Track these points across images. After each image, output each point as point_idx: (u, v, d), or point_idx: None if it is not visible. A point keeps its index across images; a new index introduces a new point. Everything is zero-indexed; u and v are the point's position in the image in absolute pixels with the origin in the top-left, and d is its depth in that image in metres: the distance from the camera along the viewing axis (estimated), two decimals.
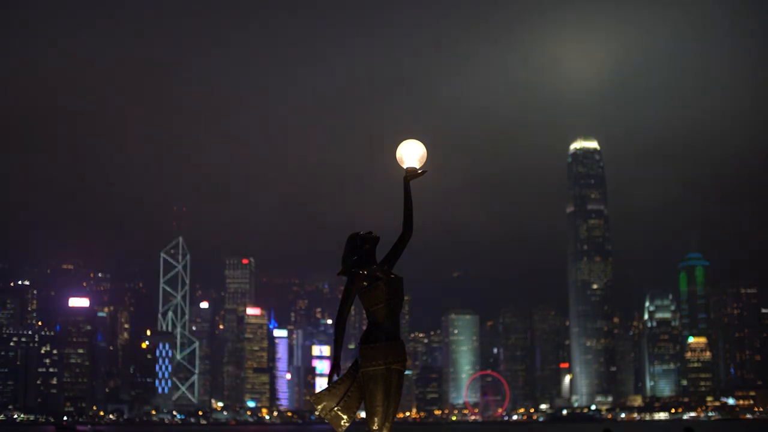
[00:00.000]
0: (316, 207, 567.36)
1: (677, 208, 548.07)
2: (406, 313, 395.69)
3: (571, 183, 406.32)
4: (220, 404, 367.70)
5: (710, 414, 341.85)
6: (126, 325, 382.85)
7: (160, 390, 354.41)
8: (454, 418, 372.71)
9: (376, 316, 12.52)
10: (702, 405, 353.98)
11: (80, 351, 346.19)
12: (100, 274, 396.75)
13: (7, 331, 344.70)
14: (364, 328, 12.82)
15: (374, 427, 12.39)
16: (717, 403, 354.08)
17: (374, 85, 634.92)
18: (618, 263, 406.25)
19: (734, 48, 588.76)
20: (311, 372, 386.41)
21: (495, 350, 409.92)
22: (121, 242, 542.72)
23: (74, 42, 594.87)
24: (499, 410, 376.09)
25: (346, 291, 12.59)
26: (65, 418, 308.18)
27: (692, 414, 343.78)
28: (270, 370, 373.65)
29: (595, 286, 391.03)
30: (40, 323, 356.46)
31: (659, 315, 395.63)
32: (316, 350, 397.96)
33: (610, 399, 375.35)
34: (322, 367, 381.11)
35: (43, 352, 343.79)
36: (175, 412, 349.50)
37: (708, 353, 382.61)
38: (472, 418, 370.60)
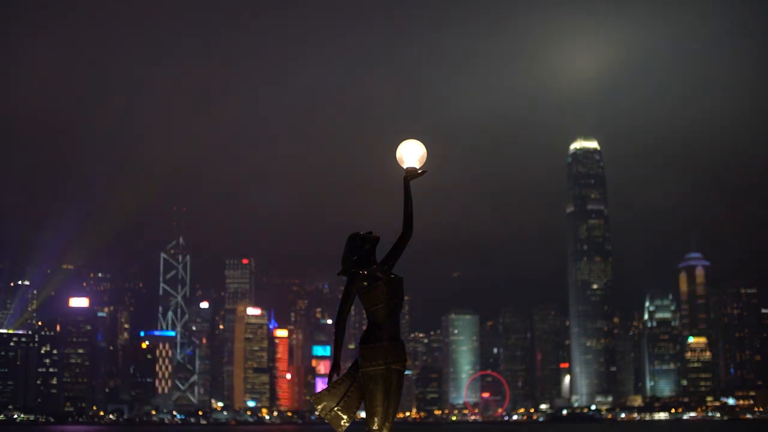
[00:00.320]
0: (316, 207, 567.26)
1: (677, 208, 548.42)
2: (406, 313, 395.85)
3: (571, 183, 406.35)
4: (220, 404, 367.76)
5: (717, 414, 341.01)
6: (126, 325, 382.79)
7: (160, 390, 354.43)
8: (454, 418, 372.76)
9: (376, 316, 12.53)
10: (702, 405, 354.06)
11: (80, 351, 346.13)
12: (100, 274, 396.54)
13: (7, 331, 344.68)
14: (364, 328, 12.83)
15: (374, 427, 12.40)
16: (717, 403, 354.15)
17: (374, 86, 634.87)
18: (618, 263, 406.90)
19: (734, 48, 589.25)
20: (311, 372, 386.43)
21: (495, 350, 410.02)
22: (121, 242, 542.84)
23: (78, 36, 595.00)
24: (499, 410, 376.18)
25: (346, 291, 12.61)
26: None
27: (692, 414, 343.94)
28: (270, 370, 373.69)
29: (595, 286, 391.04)
30: (40, 323, 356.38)
31: (659, 315, 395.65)
32: (316, 350, 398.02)
33: (610, 399, 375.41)
34: (322, 367, 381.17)
35: (43, 352, 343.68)
36: (175, 412, 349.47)
37: (708, 353, 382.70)
38: (472, 418, 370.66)
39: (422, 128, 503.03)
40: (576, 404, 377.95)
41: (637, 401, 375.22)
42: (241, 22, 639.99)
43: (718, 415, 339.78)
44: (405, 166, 12.85)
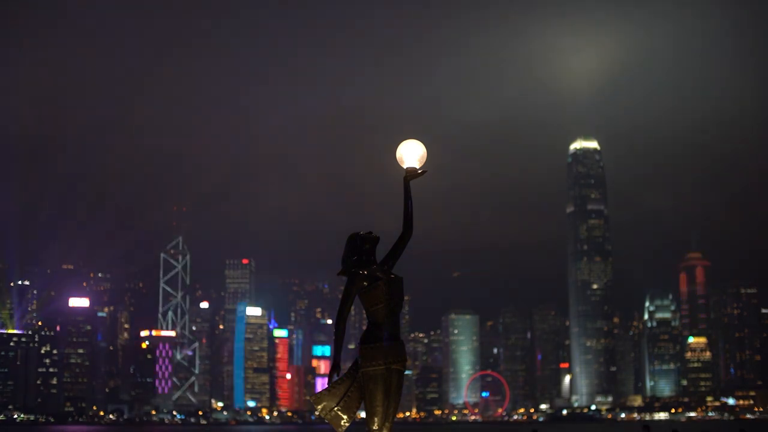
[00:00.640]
0: (316, 207, 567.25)
1: (677, 208, 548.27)
2: (406, 313, 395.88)
3: (571, 183, 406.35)
4: (220, 404, 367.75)
5: (725, 415, 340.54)
6: (126, 325, 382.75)
7: (160, 390, 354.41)
8: (454, 418, 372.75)
9: (376, 316, 12.54)
10: (702, 405, 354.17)
11: (80, 351, 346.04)
12: (100, 274, 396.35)
13: (7, 331, 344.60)
14: (364, 328, 12.84)
15: (374, 427, 12.41)
16: (717, 403, 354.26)
17: (375, 87, 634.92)
18: (618, 263, 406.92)
19: (734, 48, 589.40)
20: (311, 372, 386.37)
21: (495, 350, 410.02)
22: (121, 242, 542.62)
23: (68, 40, 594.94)
24: (499, 410, 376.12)
25: (346, 291, 12.61)
26: None
27: (692, 414, 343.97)
28: (270, 370, 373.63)
29: (595, 286, 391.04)
30: (40, 323, 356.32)
31: (659, 315, 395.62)
32: (316, 350, 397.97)
33: (610, 399, 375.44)
34: (322, 367, 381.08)
35: (43, 352, 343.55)
36: (175, 412, 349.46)
37: (708, 353, 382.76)
38: (472, 418, 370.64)
39: (422, 128, 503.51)
40: (576, 404, 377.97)
41: (637, 401, 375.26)
42: (242, 22, 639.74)
43: (726, 415, 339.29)
44: (405, 166, 12.87)
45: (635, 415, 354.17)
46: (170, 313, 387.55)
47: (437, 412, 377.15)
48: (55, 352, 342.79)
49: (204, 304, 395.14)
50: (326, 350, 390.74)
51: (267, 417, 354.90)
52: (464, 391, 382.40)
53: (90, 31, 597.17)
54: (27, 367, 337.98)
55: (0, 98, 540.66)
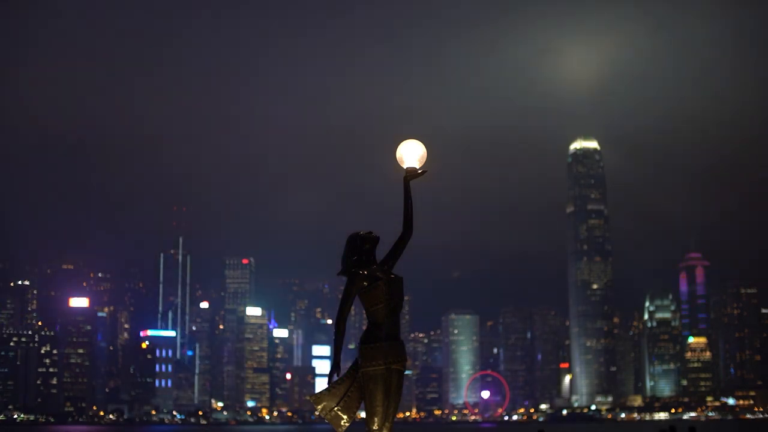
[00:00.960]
0: (316, 207, 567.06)
1: (677, 208, 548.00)
2: (406, 313, 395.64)
3: (571, 183, 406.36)
4: (220, 404, 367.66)
5: (724, 414, 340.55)
6: (126, 325, 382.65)
7: (160, 390, 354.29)
8: (454, 418, 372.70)
9: (376, 316, 12.54)
10: (702, 405, 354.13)
11: (80, 351, 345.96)
12: (100, 274, 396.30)
13: (7, 331, 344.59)
14: (364, 328, 12.84)
15: (374, 427, 12.41)
16: (717, 403, 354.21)
17: (375, 87, 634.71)
18: (618, 263, 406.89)
19: (735, 47, 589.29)
20: (311, 372, 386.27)
21: (495, 350, 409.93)
22: (121, 242, 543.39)
23: (65, 42, 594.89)
24: (499, 410, 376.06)
25: (346, 291, 12.62)
26: None
27: (692, 414, 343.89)
28: (270, 370, 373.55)
29: (595, 286, 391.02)
30: (40, 323, 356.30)
31: (659, 315, 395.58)
32: (316, 350, 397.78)
33: (610, 399, 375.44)
34: (322, 367, 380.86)
35: (43, 352, 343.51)
36: (175, 412, 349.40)
37: (708, 353, 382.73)
38: (472, 418, 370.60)
39: (422, 128, 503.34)
40: (576, 404, 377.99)
41: (637, 401, 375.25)
42: (243, 23, 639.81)
43: (730, 416, 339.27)
44: (405, 166, 12.88)
45: (635, 415, 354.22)
46: (170, 313, 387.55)
47: (437, 412, 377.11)
48: (55, 352, 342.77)
49: (204, 304, 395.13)
50: (326, 350, 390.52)
51: (267, 417, 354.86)
52: (464, 391, 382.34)
53: (90, 33, 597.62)
54: (27, 367, 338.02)
55: (2, 98, 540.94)
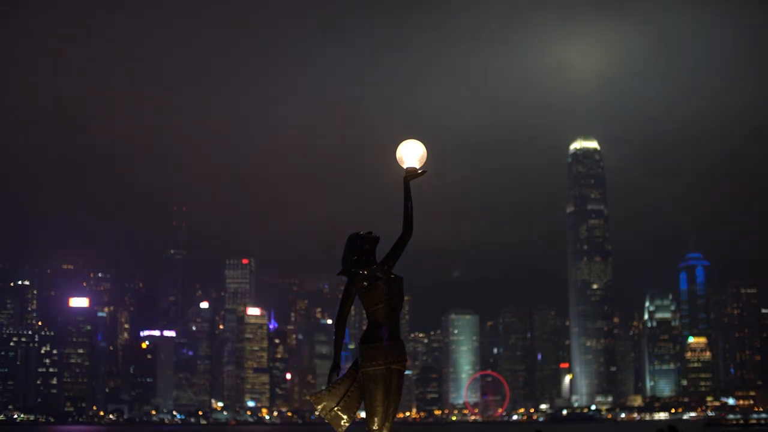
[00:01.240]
0: (316, 207, 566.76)
1: (677, 208, 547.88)
2: (406, 313, 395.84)
3: (571, 183, 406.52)
4: (220, 404, 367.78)
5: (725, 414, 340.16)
6: (126, 325, 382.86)
7: (160, 390, 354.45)
8: (454, 418, 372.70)
9: (376, 316, 12.55)
10: (702, 405, 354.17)
11: (80, 351, 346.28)
12: (100, 274, 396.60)
13: (7, 331, 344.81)
14: (364, 328, 12.85)
15: (374, 427, 12.42)
16: (717, 403, 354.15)
17: (375, 88, 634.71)
18: (618, 263, 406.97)
19: (734, 47, 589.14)
20: (311, 372, 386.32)
21: (495, 350, 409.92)
22: (121, 242, 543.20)
23: (69, 44, 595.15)
24: (499, 410, 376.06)
25: (346, 291, 12.62)
26: None
27: (692, 414, 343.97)
28: (270, 370, 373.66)
29: (595, 286, 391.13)
30: (40, 323, 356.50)
31: (659, 315, 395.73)
32: (316, 350, 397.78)
33: (610, 399, 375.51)
34: (322, 367, 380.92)
35: (43, 352, 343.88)
36: (175, 412, 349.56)
37: (708, 353, 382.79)
38: (472, 418, 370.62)
39: (422, 128, 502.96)
40: (576, 404, 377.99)
41: (637, 401, 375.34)
42: (261, 24, 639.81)
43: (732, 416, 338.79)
44: (405, 166, 12.88)
45: (635, 415, 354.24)
46: (170, 313, 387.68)
47: (437, 412, 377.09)
48: (55, 352, 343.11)
49: (204, 304, 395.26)
50: (326, 350, 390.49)
51: (267, 417, 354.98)
52: (464, 391, 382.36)
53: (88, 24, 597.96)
54: (27, 367, 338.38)
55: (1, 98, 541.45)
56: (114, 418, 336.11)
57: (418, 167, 12.87)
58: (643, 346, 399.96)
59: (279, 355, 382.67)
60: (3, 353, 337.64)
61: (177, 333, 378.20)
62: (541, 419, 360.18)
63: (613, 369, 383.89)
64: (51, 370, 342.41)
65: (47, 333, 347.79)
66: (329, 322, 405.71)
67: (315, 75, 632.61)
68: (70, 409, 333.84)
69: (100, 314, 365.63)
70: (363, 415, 12.66)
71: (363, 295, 12.55)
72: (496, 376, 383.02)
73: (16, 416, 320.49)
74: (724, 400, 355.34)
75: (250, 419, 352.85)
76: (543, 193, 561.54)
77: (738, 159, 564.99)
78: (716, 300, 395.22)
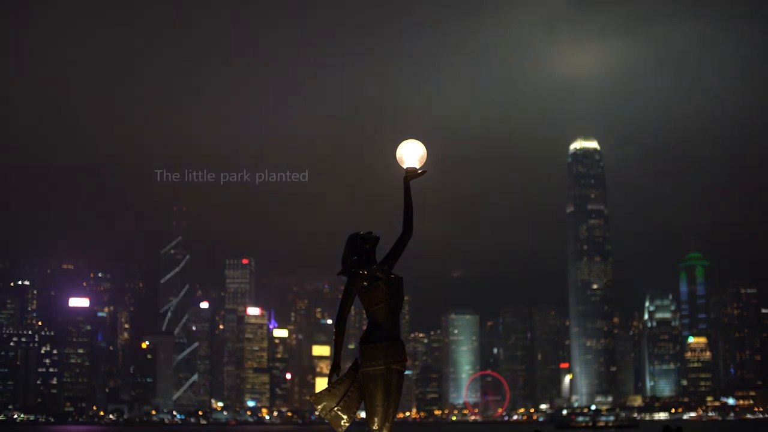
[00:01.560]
0: (316, 207, 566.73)
1: (677, 208, 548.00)
2: (406, 313, 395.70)
3: (571, 183, 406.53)
4: (220, 404, 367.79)
5: (725, 414, 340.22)
6: (126, 325, 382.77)
7: (160, 390, 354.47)
8: (454, 418, 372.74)
9: (376, 316, 12.55)
10: (702, 405, 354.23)
11: (80, 351, 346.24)
12: (100, 274, 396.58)
13: (7, 331, 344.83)
14: (364, 328, 12.85)
15: (374, 427, 12.42)
16: (717, 403, 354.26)
17: (375, 88, 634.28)
18: (618, 263, 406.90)
19: (734, 47, 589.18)
20: (311, 372, 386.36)
21: (495, 350, 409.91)
22: (121, 242, 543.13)
23: (67, 39, 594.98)
24: (499, 410, 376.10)
25: (346, 291, 12.63)
26: None
27: (692, 414, 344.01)
28: (270, 370, 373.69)
29: (595, 286, 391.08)
30: (40, 323, 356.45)
31: (659, 315, 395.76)
32: (316, 350, 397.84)
33: (610, 399, 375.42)
34: (322, 367, 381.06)
35: (43, 352, 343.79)
36: (175, 412, 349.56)
37: (708, 353, 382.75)
38: (472, 418, 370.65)
39: (422, 128, 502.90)
40: (576, 404, 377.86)
41: (637, 401, 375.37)
42: (269, 23, 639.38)
43: (732, 415, 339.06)
44: (405, 166, 12.89)
45: (635, 415, 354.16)
46: (170, 313, 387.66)
47: (437, 412, 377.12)
48: (55, 352, 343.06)
49: (204, 304, 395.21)
50: (326, 350, 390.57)
51: (267, 417, 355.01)
52: (464, 391, 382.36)
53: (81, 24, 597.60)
54: (27, 367, 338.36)
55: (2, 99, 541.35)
56: (114, 418, 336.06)
57: (418, 167, 12.88)
58: (643, 346, 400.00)
59: (279, 355, 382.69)
60: (3, 353, 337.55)
61: (177, 333, 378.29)
62: (541, 419, 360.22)
63: (613, 369, 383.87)
64: (51, 370, 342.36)
65: (47, 333, 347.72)
66: (329, 322, 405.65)
67: (314, 75, 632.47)
68: (70, 409, 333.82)
69: (100, 314, 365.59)
70: (363, 415, 12.67)
71: (363, 295, 12.56)
72: (496, 376, 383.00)
73: (16, 416, 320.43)
74: (724, 400, 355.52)
75: (250, 419, 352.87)
76: (543, 193, 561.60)
77: (738, 159, 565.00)
78: (716, 300, 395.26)
